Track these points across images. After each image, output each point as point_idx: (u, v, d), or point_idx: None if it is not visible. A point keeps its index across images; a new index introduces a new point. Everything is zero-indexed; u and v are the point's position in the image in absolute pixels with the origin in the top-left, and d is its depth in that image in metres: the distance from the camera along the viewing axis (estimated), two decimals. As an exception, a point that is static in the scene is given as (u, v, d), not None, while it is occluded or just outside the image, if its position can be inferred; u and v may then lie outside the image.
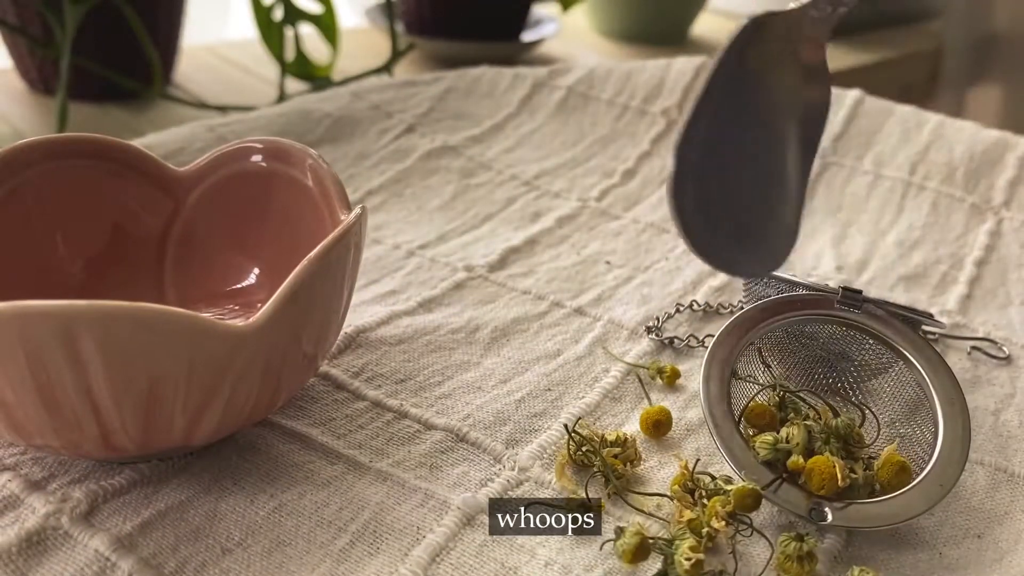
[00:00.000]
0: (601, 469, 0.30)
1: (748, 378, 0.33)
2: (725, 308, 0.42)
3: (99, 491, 0.28)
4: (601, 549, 0.28)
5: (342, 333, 0.37)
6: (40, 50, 0.61)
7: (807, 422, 0.31)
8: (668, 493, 0.30)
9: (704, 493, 0.29)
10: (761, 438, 0.30)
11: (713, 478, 0.30)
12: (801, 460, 0.30)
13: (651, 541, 0.27)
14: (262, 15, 0.69)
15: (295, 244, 0.33)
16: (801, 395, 0.33)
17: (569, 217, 0.50)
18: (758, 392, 0.33)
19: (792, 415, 0.32)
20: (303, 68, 0.73)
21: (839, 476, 0.28)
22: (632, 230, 0.49)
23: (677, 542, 0.27)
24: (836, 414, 0.32)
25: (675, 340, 0.39)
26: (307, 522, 0.28)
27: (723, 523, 0.28)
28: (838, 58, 0.95)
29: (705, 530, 0.28)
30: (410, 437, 0.32)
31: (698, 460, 0.31)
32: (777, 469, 0.30)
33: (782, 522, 0.30)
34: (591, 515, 0.29)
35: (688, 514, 0.28)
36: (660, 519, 0.29)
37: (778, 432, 0.31)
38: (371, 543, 0.28)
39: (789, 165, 0.28)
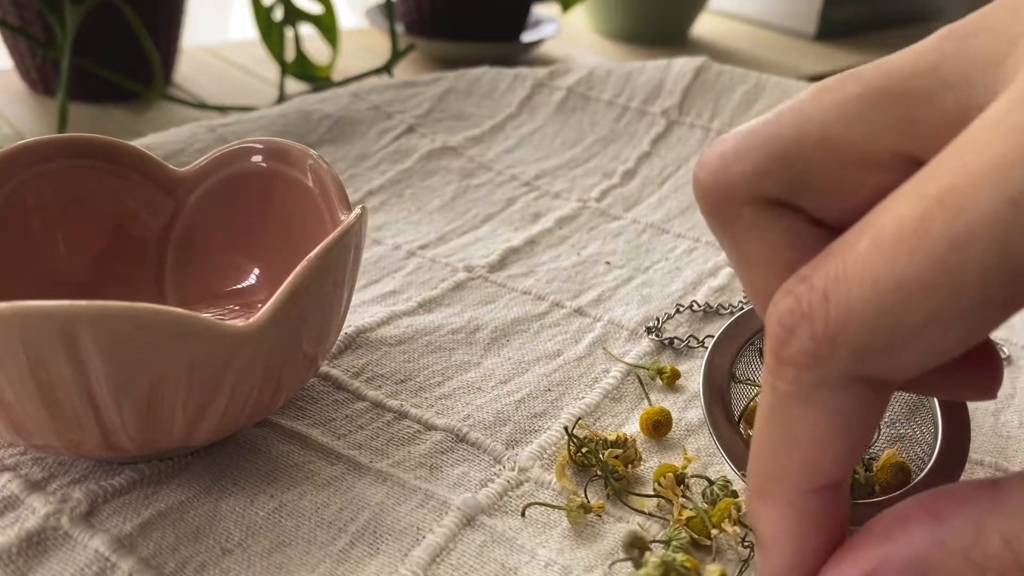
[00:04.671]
0: (601, 472, 0.30)
1: (747, 381, 0.33)
2: (725, 308, 0.42)
3: (99, 491, 0.28)
4: (610, 567, 0.28)
5: (342, 333, 0.37)
6: (40, 51, 0.61)
7: None
8: (661, 491, 0.30)
9: (688, 486, 0.30)
10: None
11: (711, 482, 0.30)
12: None
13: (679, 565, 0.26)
14: (262, 15, 0.69)
15: (295, 244, 0.33)
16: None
17: (569, 217, 0.50)
18: (758, 393, 0.33)
19: None
20: (303, 68, 0.73)
21: None
22: (632, 230, 0.49)
23: (674, 545, 0.27)
24: None
25: (675, 341, 0.39)
26: (307, 522, 0.28)
27: (735, 527, 0.28)
28: (838, 58, 0.95)
29: (715, 532, 0.28)
30: (410, 437, 0.32)
31: (689, 462, 0.31)
32: None
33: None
34: (591, 516, 0.29)
35: (687, 513, 0.28)
36: (660, 519, 0.29)
37: None
38: (371, 543, 0.28)
39: None
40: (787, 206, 0.20)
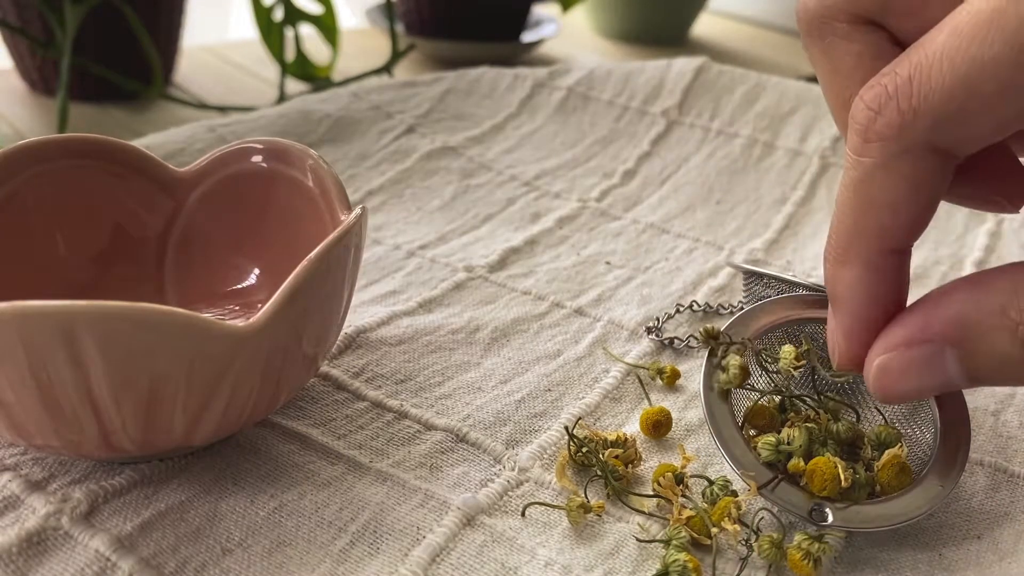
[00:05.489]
0: (601, 472, 0.30)
1: (747, 385, 0.33)
2: (725, 308, 0.42)
3: (99, 491, 0.28)
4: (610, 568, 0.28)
5: (342, 333, 0.37)
6: (40, 51, 0.61)
7: (808, 424, 0.31)
8: (660, 491, 0.30)
9: (687, 485, 0.30)
10: (764, 439, 0.30)
11: (711, 482, 0.30)
12: (802, 463, 0.29)
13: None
14: (262, 16, 0.69)
15: (295, 244, 0.33)
16: (801, 396, 0.33)
17: (569, 217, 0.50)
18: (760, 398, 0.33)
19: (792, 415, 0.32)
20: (303, 69, 0.73)
21: (841, 477, 0.28)
22: (632, 230, 0.49)
23: (674, 544, 0.27)
24: (836, 418, 0.32)
25: (675, 341, 0.39)
26: (307, 522, 0.28)
27: (736, 525, 0.28)
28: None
29: (714, 531, 0.28)
30: (410, 437, 0.32)
31: (688, 462, 0.31)
32: (778, 470, 0.30)
33: (773, 525, 0.30)
34: (591, 516, 0.29)
35: (687, 512, 0.28)
36: (660, 518, 0.29)
37: (779, 432, 0.31)
38: (371, 543, 0.28)
39: None
40: (875, 24, 0.24)
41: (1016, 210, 0.27)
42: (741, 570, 0.28)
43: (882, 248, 0.23)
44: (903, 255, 0.24)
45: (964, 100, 0.20)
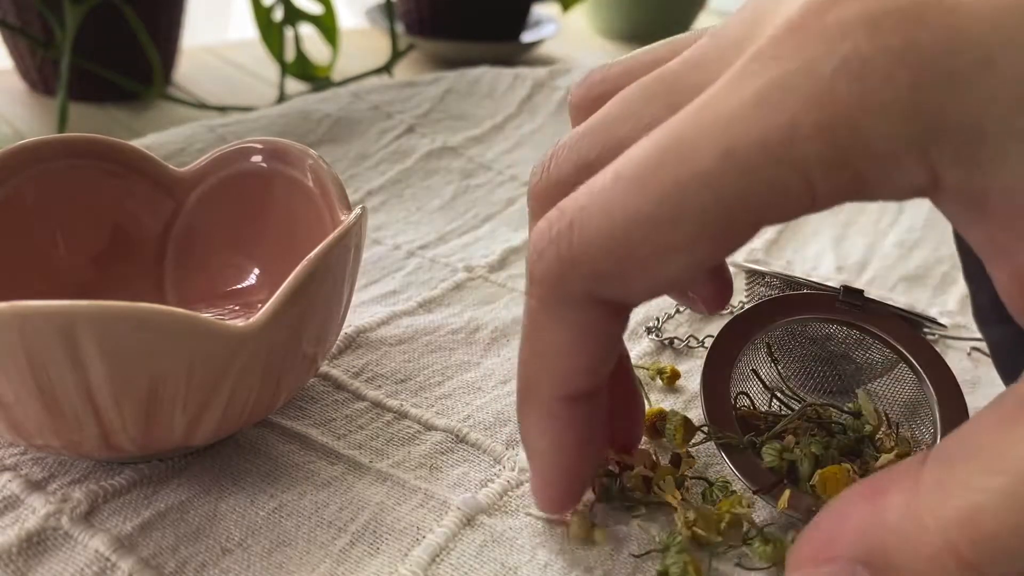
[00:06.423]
0: (600, 473, 0.30)
1: (745, 393, 0.33)
2: (725, 308, 0.42)
3: (99, 491, 0.28)
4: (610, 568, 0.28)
5: (342, 333, 0.37)
6: (40, 51, 0.61)
7: (812, 448, 0.30)
8: (660, 493, 0.30)
9: (687, 487, 0.30)
10: (769, 445, 0.30)
11: (710, 483, 0.30)
12: (811, 472, 0.29)
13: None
14: (262, 16, 0.69)
15: (295, 244, 0.33)
16: (798, 396, 0.33)
17: (569, 217, 0.50)
18: (769, 399, 0.33)
19: (787, 413, 0.32)
20: (303, 69, 0.73)
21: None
22: (632, 230, 0.49)
23: (672, 552, 0.27)
24: (836, 431, 0.32)
25: (675, 341, 0.39)
26: (307, 522, 0.28)
27: (735, 525, 0.28)
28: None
29: (715, 531, 0.28)
30: (410, 438, 0.32)
31: (689, 466, 0.31)
32: (781, 475, 0.30)
33: (783, 524, 0.30)
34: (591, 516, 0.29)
35: (688, 514, 0.28)
36: (660, 519, 0.29)
37: (772, 431, 0.31)
38: (371, 543, 0.28)
39: None
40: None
41: (712, 312, 0.28)
42: (741, 570, 0.28)
43: (558, 393, 0.22)
44: (588, 400, 0.22)
45: (621, 257, 0.18)
